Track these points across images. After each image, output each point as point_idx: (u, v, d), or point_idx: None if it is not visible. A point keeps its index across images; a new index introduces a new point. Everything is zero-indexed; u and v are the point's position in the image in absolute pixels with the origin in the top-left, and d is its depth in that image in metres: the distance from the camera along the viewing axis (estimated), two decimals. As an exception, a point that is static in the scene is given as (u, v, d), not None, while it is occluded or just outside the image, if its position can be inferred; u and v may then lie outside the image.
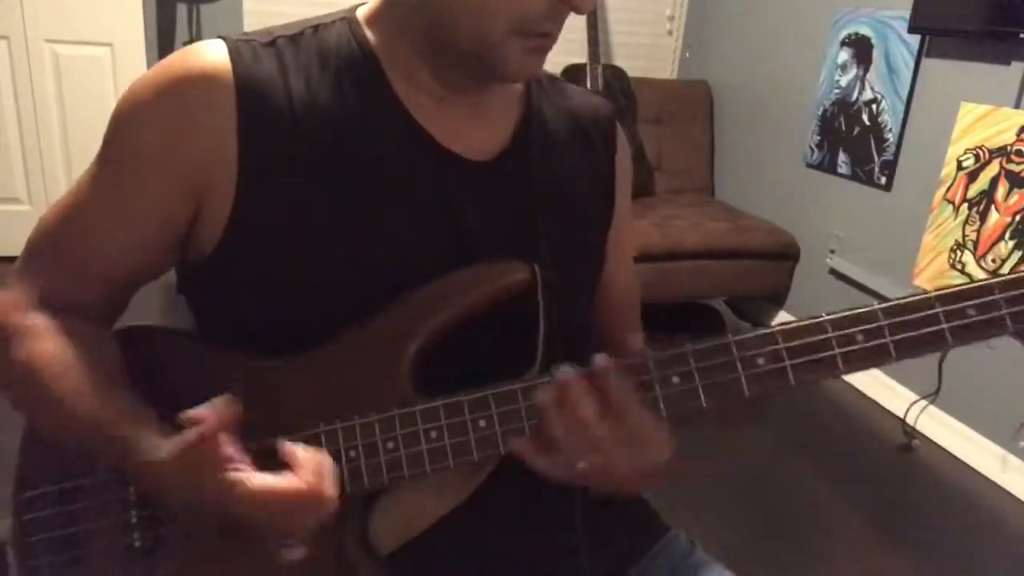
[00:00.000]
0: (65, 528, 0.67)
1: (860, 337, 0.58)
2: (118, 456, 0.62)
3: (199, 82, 0.63)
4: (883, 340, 0.58)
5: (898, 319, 0.58)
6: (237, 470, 0.55)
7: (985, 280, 0.58)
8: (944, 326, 0.58)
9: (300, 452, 0.58)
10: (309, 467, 0.57)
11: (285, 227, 0.64)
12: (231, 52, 0.64)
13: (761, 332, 0.59)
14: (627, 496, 0.61)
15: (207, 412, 0.56)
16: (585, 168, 0.78)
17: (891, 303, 0.59)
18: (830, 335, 0.58)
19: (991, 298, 0.58)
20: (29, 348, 0.65)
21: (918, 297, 0.59)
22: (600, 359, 0.59)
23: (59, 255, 0.69)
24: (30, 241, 0.70)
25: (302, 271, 0.64)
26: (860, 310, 0.59)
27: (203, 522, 0.60)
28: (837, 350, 0.58)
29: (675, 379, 0.59)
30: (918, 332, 0.58)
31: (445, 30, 0.63)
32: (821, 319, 0.59)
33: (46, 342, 0.66)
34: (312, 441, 0.62)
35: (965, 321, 0.58)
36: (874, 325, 0.58)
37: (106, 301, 0.71)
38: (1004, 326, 0.58)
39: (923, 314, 0.58)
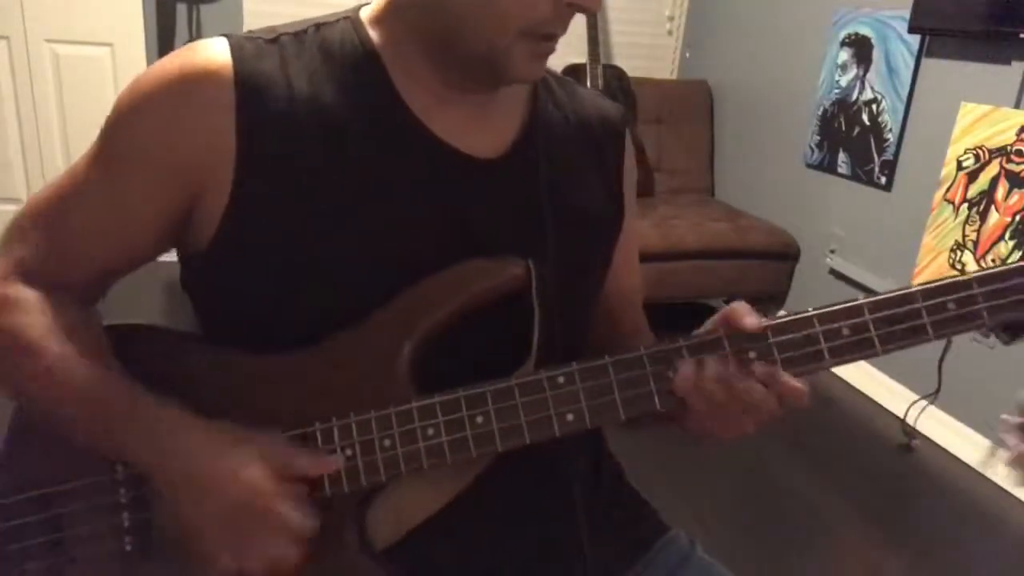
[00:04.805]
0: (48, 535, 0.65)
1: (846, 331, 0.60)
2: (120, 429, 0.61)
3: (199, 78, 0.63)
4: (868, 334, 0.60)
5: (882, 313, 0.60)
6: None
7: (964, 275, 0.60)
8: (926, 320, 0.60)
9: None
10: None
11: (283, 224, 0.64)
12: (233, 49, 0.64)
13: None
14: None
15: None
16: (592, 171, 0.78)
17: (876, 297, 0.61)
18: (816, 329, 0.61)
19: (969, 292, 0.60)
20: (16, 318, 0.65)
21: (902, 292, 0.61)
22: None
23: (47, 235, 0.68)
24: (15, 220, 0.70)
25: (300, 268, 0.64)
26: (846, 304, 0.61)
27: (178, 507, 0.61)
28: (824, 344, 0.60)
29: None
30: (901, 326, 0.60)
31: (453, 33, 0.63)
32: (809, 313, 0.61)
33: (34, 312, 0.65)
34: (308, 438, 0.62)
35: (945, 315, 0.60)
36: (860, 320, 0.60)
37: (87, 285, 0.70)
38: (982, 319, 0.60)
39: (906, 308, 0.60)
